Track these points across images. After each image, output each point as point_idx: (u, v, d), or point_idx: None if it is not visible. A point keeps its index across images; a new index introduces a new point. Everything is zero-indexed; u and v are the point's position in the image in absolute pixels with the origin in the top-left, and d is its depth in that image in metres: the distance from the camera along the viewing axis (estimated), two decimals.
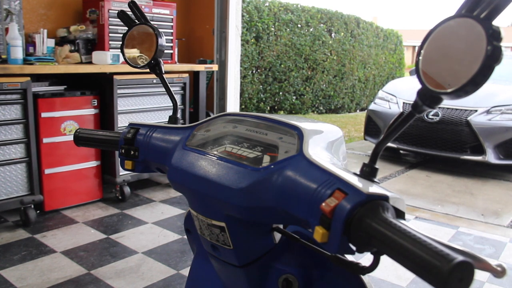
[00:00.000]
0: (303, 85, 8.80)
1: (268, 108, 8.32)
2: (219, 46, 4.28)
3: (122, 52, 0.85)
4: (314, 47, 8.83)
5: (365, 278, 0.63)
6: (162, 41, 0.82)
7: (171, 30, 3.71)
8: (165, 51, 3.70)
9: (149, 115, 3.46)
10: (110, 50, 3.29)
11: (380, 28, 11.00)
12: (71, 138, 3.03)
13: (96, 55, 3.19)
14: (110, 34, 3.30)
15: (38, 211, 2.98)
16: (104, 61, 3.14)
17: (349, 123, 8.07)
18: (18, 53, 2.73)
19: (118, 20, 3.83)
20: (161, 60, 0.83)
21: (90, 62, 3.23)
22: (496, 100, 4.37)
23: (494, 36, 0.41)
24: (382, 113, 4.84)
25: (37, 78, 2.84)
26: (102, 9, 3.25)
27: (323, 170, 0.51)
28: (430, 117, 4.49)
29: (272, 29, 8.11)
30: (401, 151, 5.17)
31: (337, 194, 0.47)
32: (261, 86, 8.15)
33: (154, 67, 0.83)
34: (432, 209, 3.46)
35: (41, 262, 2.36)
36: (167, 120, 0.81)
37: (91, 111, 3.14)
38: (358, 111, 10.37)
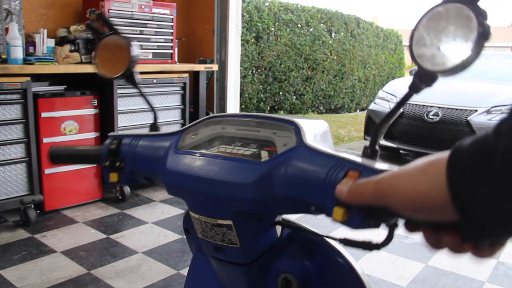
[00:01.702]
0: (303, 85, 8.80)
1: (268, 108, 8.32)
2: (219, 46, 4.28)
3: (94, 64, 0.82)
4: (314, 47, 8.83)
5: (364, 277, 0.63)
6: (135, 51, 0.79)
7: (171, 30, 3.71)
8: (165, 51, 3.72)
9: (149, 115, 3.45)
10: None
11: (380, 28, 11.00)
12: (71, 138, 3.03)
13: None
14: None
15: (38, 211, 2.98)
16: None
17: (349, 123, 8.07)
18: (18, 53, 2.73)
19: (118, 20, 3.82)
20: (134, 70, 0.81)
21: (90, 62, 3.23)
22: (496, 100, 4.37)
23: (483, 15, 0.45)
24: (382, 113, 4.84)
25: (37, 78, 2.84)
26: (102, 9, 3.25)
27: (330, 155, 0.54)
28: (430, 117, 4.49)
29: (272, 29, 8.11)
30: (401, 151, 5.17)
31: (351, 174, 0.49)
32: (261, 86, 8.15)
33: (128, 77, 0.81)
34: None
35: (41, 262, 2.36)
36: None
37: (91, 111, 3.14)
38: (358, 111, 10.37)
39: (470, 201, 0.36)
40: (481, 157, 0.35)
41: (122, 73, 0.80)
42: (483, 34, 0.45)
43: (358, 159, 0.52)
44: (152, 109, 0.81)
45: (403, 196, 0.41)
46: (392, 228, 0.52)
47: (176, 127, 0.71)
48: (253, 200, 0.56)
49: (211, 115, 0.69)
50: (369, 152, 0.56)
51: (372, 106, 5.06)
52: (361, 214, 0.48)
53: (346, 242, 0.58)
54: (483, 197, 0.35)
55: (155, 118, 0.80)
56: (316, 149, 0.55)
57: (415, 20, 0.52)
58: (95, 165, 0.77)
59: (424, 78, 0.51)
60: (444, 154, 0.39)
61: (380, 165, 0.49)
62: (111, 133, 0.74)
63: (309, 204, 0.54)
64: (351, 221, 0.49)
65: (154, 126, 0.79)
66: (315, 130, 0.62)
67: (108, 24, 0.82)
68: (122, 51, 0.80)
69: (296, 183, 0.54)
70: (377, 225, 0.50)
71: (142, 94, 0.82)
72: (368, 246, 0.56)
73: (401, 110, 4.70)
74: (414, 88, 0.53)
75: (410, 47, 0.51)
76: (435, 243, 0.43)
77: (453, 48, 0.47)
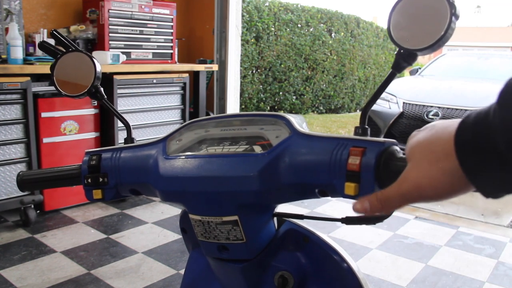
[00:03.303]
0: (303, 85, 8.80)
1: (268, 108, 8.33)
2: (219, 46, 4.28)
3: (53, 83, 0.79)
4: (314, 47, 8.83)
5: (361, 275, 0.63)
6: (99, 66, 0.78)
7: (171, 30, 3.71)
8: (165, 51, 3.72)
9: (149, 115, 3.46)
10: (110, 50, 3.29)
11: (380, 28, 11.00)
12: (71, 138, 3.03)
13: (96, 55, 3.19)
14: (110, 34, 3.30)
15: (38, 211, 2.98)
16: (104, 61, 3.14)
17: (349, 123, 8.07)
18: (18, 53, 2.73)
19: (118, 20, 3.81)
20: (99, 85, 0.79)
21: None
22: None
23: None
24: (382, 113, 4.84)
25: (37, 78, 2.84)
26: (102, 9, 3.25)
27: (329, 138, 0.56)
28: (430, 117, 4.49)
29: (272, 29, 8.11)
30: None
31: (355, 151, 0.52)
32: (261, 86, 8.15)
33: (94, 93, 0.79)
34: (432, 209, 3.46)
35: (41, 262, 2.36)
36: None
37: (91, 111, 3.14)
38: (358, 111, 10.37)
39: (484, 183, 0.40)
40: (485, 146, 0.38)
41: (87, 90, 0.78)
42: (455, 14, 0.51)
43: (357, 137, 0.55)
44: (124, 123, 0.79)
45: (429, 195, 0.44)
46: None
47: (176, 127, 0.70)
48: (259, 191, 0.57)
49: (192, 120, 0.68)
50: (360, 132, 0.60)
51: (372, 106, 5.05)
52: (371, 187, 0.51)
53: (348, 220, 0.60)
54: (495, 179, 0.39)
55: (129, 132, 0.78)
56: (314, 134, 0.57)
57: (391, 7, 0.57)
58: (73, 185, 0.74)
59: (405, 57, 0.57)
60: (446, 140, 0.41)
61: (378, 139, 0.53)
62: (88, 150, 0.72)
63: (315, 186, 0.56)
64: (362, 194, 0.52)
65: (129, 139, 0.77)
66: (300, 121, 0.64)
67: (63, 42, 0.80)
68: (84, 67, 0.78)
69: (301, 168, 0.56)
70: None
71: (111, 108, 0.79)
72: (371, 220, 0.58)
73: (401, 110, 4.70)
74: (397, 68, 0.58)
75: (389, 31, 0.57)
76: None
77: (428, 28, 0.53)
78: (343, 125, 7.78)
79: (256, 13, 7.80)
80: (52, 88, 3.00)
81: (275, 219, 0.66)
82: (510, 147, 0.36)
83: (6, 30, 2.89)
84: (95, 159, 0.69)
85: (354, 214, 0.59)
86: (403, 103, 4.75)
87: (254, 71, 8.01)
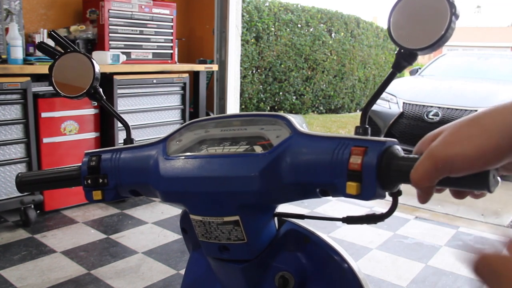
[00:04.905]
0: (303, 85, 8.80)
1: (268, 108, 8.33)
2: (219, 46, 4.28)
3: (52, 84, 0.79)
4: (314, 47, 8.83)
5: (361, 275, 0.63)
6: (97, 67, 0.78)
7: (171, 30, 3.71)
8: (165, 51, 3.72)
9: (149, 115, 3.46)
10: (110, 50, 3.29)
11: (380, 28, 11.00)
12: (71, 138, 3.03)
13: (96, 55, 3.19)
14: (110, 34, 3.30)
15: (38, 211, 2.98)
16: (104, 61, 3.14)
17: (349, 123, 8.07)
18: (18, 53, 2.73)
19: (118, 20, 3.81)
20: (98, 86, 0.79)
21: None
22: (496, 100, 4.36)
23: None
24: (382, 113, 4.84)
25: (37, 78, 2.84)
26: (102, 9, 3.25)
27: (330, 137, 0.56)
28: (430, 117, 4.49)
29: (272, 29, 8.11)
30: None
31: (356, 151, 0.52)
32: (261, 86, 8.15)
33: (93, 94, 0.79)
34: (432, 209, 3.46)
35: (41, 262, 2.36)
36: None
37: (91, 111, 3.14)
38: (358, 111, 10.37)
39: None
40: None
41: (86, 91, 0.78)
42: (455, 14, 0.52)
43: (358, 136, 0.55)
44: (124, 124, 0.79)
45: (468, 157, 0.41)
46: (395, 197, 0.55)
47: (176, 127, 0.70)
48: (260, 191, 0.57)
49: (193, 120, 0.68)
50: (361, 131, 0.60)
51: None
52: (373, 186, 0.51)
53: (349, 220, 0.60)
54: None
55: (128, 133, 0.78)
56: (314, 134, 0.58)
57: (391, 6, 0.57)
58: (73, 187, 0.74)
59: (405, 56, 0.57)
60: (499, 105, 0.41)
61: (380, 138, 0.53)
62: (87, 151, 0.72)
63: (316, 186, 0.56)
64: (364, 194, 0.52)
65: (128, 140, 0.77)
66: (300, 122, 0.64)
67: (62, 43, 0.80)
68: (83, 68, 0.78)
69: (302, 168, 0.56)
70: (384, 196, 0.53)
71: (111, 109, 0.79)
72: (372, 219, 0.58)
73: (401, 110, 4.70)
74: (397, 67, 0.58)
75: (389, 30, 0.57)
76: (460, 195, 0.52)
77: (428, 28, 0.53)
78: (343, 125, 7.78)
79: (256, 13, 7.80)
80: (52, 88, 3.00)
81: (275, 219, 0.66)
82: None
83: (6, 30, 2.90)
84: (94, 160, 0.69)
85: (355, 214, 0.59)
86: (403, 103, 4.75)
87: (254, 71, 8.01)
